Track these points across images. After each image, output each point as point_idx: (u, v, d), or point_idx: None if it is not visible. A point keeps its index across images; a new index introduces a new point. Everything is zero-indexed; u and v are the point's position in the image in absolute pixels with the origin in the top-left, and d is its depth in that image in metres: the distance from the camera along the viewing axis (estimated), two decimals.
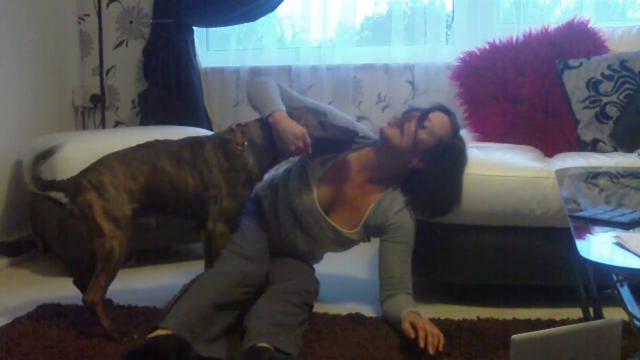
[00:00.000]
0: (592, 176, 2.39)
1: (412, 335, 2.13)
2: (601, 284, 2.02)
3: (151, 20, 3.83)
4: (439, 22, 3.65)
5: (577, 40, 3.21)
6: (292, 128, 2.34)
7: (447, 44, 3.69)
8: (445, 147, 2.44)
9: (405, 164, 2.47)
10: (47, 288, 2.85)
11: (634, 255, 1.45)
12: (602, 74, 3.05)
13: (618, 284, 1.85)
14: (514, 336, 1.55)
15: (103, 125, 4.00)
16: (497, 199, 2.50)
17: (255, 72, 3.80)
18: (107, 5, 3.96)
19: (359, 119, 3.72)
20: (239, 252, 2.37)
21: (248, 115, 2.56)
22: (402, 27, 3.71)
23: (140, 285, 2.88)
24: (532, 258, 2.55)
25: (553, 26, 3.30)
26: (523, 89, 3.17)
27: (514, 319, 2.40)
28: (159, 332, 2.04)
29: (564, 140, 3.08)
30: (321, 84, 3.76)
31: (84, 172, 2.33)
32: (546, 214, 2.49)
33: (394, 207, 2.45)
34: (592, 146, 3.00)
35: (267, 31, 3.89)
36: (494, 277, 2.61)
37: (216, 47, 4.01)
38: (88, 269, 2.37)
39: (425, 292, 2.66)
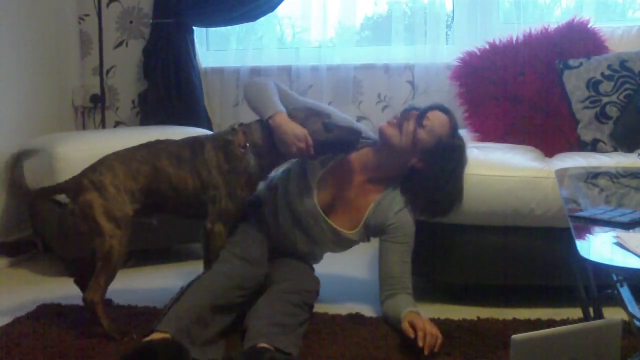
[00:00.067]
0: (592, 176, 2.39)
1: (411, 335, 2.13)
2: (601, 284, 2.01)
3: (151, 20, 3.84)
4: (439, 22, 3.65)
5: (577, 40, 3.21)
6: (294, 130, 2.33)
7: (447, 44, 3.70)
8: (445, 147, 2.43)
9: (405, 164, 2.46)
10: (47, 288, 2.85)
11: (634, 255, 1.45)
12: (602, 74, 3.05)
13: (618, 284, 1.85)
14: (514, 336, 1.55)
15: (103, 125, 4.00)
16: (497, 199, 2.50)
17: (255, 72, 3.81)
18: (107, 5, 3.96)
19: (359, 119, 3.72)
20: (237, 253, 2.36)
21: (248, 115, 2.55)
22: (402, 27, 3.72)
23: (140, 285, 2.88)
24: (532, 258, 2.55)
25: (553, 26, 3.30)
26: (523, 89, 3.17)
27: (514, 319, 2.40)
28: (156, 335, 2.04)
29: (564, 140, 3.08)
30: (321, 84, 3.76)
31: (85, 172, 2.34)
32: (546, 214, 2.49)
33: (394, 207, 2.45)
34: (592, 146, 3.00)
35: (267, 31, 3.89)
36: (494, 277, 2.61)
37: (216, 47, 4.01)
38: (89, 269, 2.37)
39: (425, 292, 2.66)
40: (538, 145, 3.04)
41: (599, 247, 1.62)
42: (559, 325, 2.16)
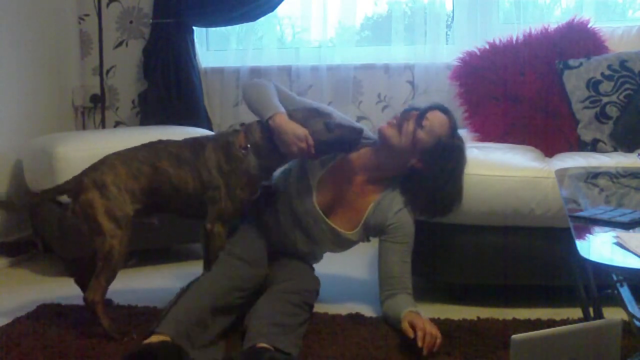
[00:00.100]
0: (592, 176, 2.39)
1: (411, 334, 2.14)
2: (601, 284, 2.02)
3: (151, 20, 3.84)
4: (439, 22, 3.65)
5: (577, 40, 3.21)
6: (294, 130, 2.33)
7: (447, 44, 3.70)
8: (444, 147, 2.43)
9: (404, 164, 2.46)
10: (47, 288, 2.85)
11: (634, 255, 1.45)
12: (602, 74, 3.05)
13: (618, 284, 1.85)
14: (514, 336, 1.55)
15: (103, 125, 4.00)
16: (497, 199, 2.50)
17: (255, 72, 3.81)
18: (107, 5, 3.96)
19: (359, 119, 3.72)
20: (236, 254, 2.36)
21: (248, 115, 2.55)
22: (402, 27, 3.72)
23: (140, 285, 2.88)
24: (532, 258, 2.55)
25: (553, 26, 3.30)
26: (523, 89, 3.17)
27: (514, 319, 2.40)
28: (155, 337, 2.03)
29: (564, 140, 3.08)
30: (321, 84, 3.76)
31: (87, 172, 2.34)
32: (546, 214, 2.49)
33: (394, 207, 2.45)
34: (592, 146, 3.00)
35: (267, 31, 3.89)
36: (494, 277, 2.61)
37: (216, 47, 4.01)
38: (89, 269, 2.37)
39: (425, 292, 2.66)
40: (538, 145, 3.04)
41: (599, 247, 1.62)
42: (559, 325, 2.16)
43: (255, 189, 2.44)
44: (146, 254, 3.15)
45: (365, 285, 2.82)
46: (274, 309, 2.23)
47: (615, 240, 1.54)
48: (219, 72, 3.88)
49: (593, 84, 3.05)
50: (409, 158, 2.45)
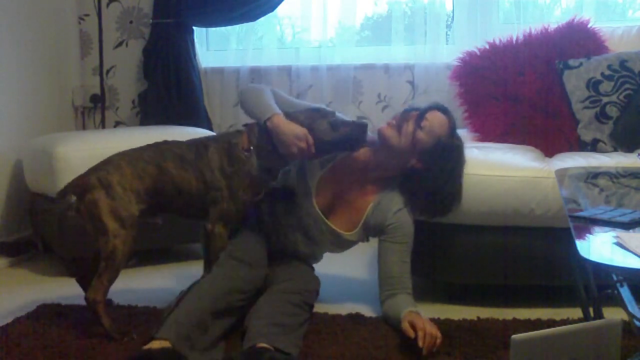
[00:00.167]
0: (592, 176, 2.39)
1: (411, 334, 2.14)
2: (601, 284, 2.01)
3: (151, 20, 3.84)
4: (439, 22, 3.65)
5: (577, 40, 3.21)
6: (293, 130, 2.33)
7: (447, 44, 3.70)
8: (444, 147, 2.43)
9: (404, 164, 2.46)
10: (47, 288, 2.85)
11: (634, 255, 1.45)
12: (602, 74, 3.05)
13: (618, 284, 1.85)
14: (514, 336, 1.55)
15: (103, 125, 4.00)
16: (497, 199, 2.50)
17: (255, 72, 3.81)
18: (107, 5, 3.96)
19: (359, 119, 3.71)
20: (237, 256, 2.35)
21: (248, 115, 2.55)
22: (402, 27, 3.72)
23: (140, 285, 2.88)
24: (532, 258, 2.55)
25: (553, 26, 3.30)
26: (523, 89, 3.17)
27: (514, 319, 2.40)
28: (156, 343, 2.02)
29: (564, 140, 3.08)
30: (321, 84, 3.76)
31: (92, 171, 2.33)
32: (546, 214, 2.49)
33: (393, 207, 2.45)
34: (592, 146, 3.00)
35: (267, 31, 3.89)
36: (494, 277, 2.61)
37: (216, 47, 4.02)
38: (91, 268, 2.37)
39: (425, 292, 2.66)
40: (538, 145, 3.04)
41: (599, 247, 1.62)
42: (559, 325, 2.16)
43: (257, 190, 2.44)
44: (146, 254, 3.15)
45: (365, 285, 2.82)
46: (274, 309, 2.22)
47: (615, 240, 1.54)
48: (219, 72, 3.88)
49: (593, 84, 3.05)
50: (409, 158, 2.45)
